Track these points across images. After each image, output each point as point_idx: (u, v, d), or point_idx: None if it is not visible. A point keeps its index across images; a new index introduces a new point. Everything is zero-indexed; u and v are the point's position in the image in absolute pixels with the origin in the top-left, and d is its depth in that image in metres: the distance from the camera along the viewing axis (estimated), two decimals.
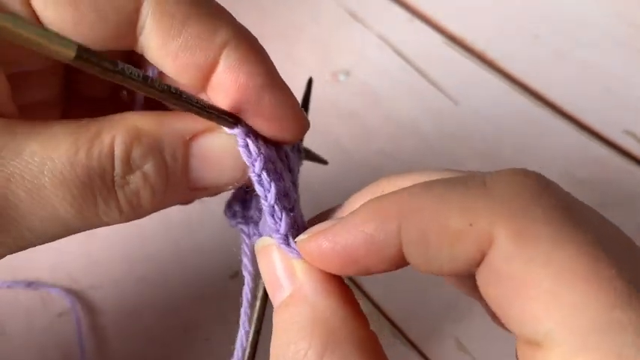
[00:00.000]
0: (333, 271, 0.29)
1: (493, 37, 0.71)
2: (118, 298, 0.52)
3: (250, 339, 0.34)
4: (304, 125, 0.33)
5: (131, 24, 0.30)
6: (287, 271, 0.30)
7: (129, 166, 0.29)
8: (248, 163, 0.31)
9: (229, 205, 0.36)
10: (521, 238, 0.24)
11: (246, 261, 0.35)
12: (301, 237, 0.30)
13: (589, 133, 0.63)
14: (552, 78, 0.68)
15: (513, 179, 0.26)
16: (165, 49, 0.30)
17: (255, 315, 0.34)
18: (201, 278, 0.53)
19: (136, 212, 0.31)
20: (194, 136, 0.31)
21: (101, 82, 0.37)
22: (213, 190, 0.33)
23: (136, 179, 0.30)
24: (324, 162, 0.45)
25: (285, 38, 0.71)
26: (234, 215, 0.35)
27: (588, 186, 0.59)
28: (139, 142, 0.30)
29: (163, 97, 0.28)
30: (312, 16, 0.74)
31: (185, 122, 0.31)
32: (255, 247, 0.33)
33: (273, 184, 0.31)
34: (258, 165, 0.31)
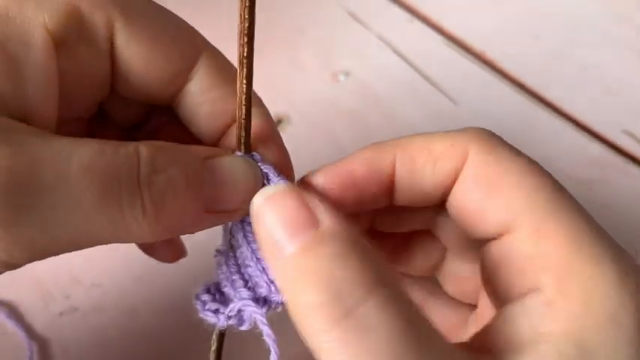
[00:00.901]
0: (334, 194, 0.32)
1: (493, 37, 0.71)
2: (119, 297, 0.52)
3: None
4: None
5: (187, 70, 0.34)
6: (308, 211, 0.28)
7: (154, 168, 0.30)
8: (270, 173, 0.33)
9: (198, 297, 0.35)
10: (492, 149, 0.31)
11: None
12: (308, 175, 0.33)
13: (588, 133, 0.64)
14: (552, 78, 0.68)
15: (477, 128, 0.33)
16: (208, 95, 0.35)
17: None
18: (201, 277, 0.53)
19: (159, 216, 0.30)
20: (208, 157, 0.33)
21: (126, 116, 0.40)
22: (224, 216, 0.33)
23: (161, 180, 0.30)
24: None
25: (285, 38, 0.71)
26: (203, 304, 0.34)
27: (587, 186, 0.60)
28: (162, 151, 0.31)
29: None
30: (312, 17, 0.74)
31: (198, 148, 0.33)
32: (255, 201, 0.31)
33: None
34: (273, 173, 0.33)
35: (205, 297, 0.34)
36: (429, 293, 0.41)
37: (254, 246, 0.33)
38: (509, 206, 0.30)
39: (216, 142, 0.36)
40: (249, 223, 0.34)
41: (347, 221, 0.28)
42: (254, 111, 0.34)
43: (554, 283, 0.28)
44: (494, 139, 0.32)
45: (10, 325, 0.50)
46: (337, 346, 0.25)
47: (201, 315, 0.34)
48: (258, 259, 0.33)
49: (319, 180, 0.33)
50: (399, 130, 0.64)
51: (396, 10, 0.74)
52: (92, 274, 0.53)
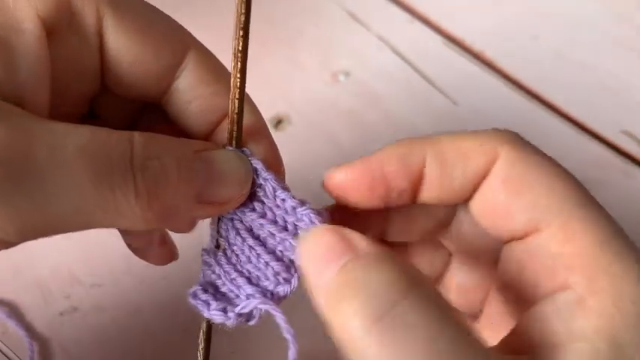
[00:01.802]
0: (362, 191, 0.33)
1: (492, 37, 0.71)
2: (119, 297, 0.52)
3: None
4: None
5: (176, 66, 0.35)
6: (345, 242, 0.28)
7: (148, 154, 0.30)
8: (259, 167, 0.34)
9: (195, 294, 0.35)
10: (522, 151, 0.31)
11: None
12: (331, 170, 0.33)
13: (587, 133, 0.64)
14: (551, 78, 0.68)
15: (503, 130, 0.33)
16: (196, 91, 0.35)
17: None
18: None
19: (151, 200, 0.31)
20: (201, 150, 0.33)
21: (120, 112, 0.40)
22: (216, 209, 0.34)
23: (154, 165, 0.31)
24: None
25: (286, 39, 0.72)
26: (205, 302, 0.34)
27: (587, 186, 0.59)
28: (156, 140, 0.31)
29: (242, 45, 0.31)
30: (312, 18, 0.74)
31: (190, 141, 0.34)
32: (300, 242, 0.30)
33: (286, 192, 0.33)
34: (270, 178, 0.34)
35: (206, 297, 0.34)
36: None
37: (250, 242, 0.34)
38: (536, 206, 0.30)
39: (205, 139, 0.36)
40: (241, 221, 0.34)
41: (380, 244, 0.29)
42: (244, 107, 0.34)
43: (584, 280, 0.28)
44: (522, 141, 0.32)
45: (11, 325, 0.51)
46: (374, 349, 0.25)
47: (206, 315, 0.34)
48: (258, 254, 0.34)
49: (348, 174, 0.33)
50: (398, 129, 0.64)
51: (395, 10, 0.74)
52: (92, 274, 0.53)
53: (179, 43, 0.35)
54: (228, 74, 0.33)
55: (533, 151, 0.32)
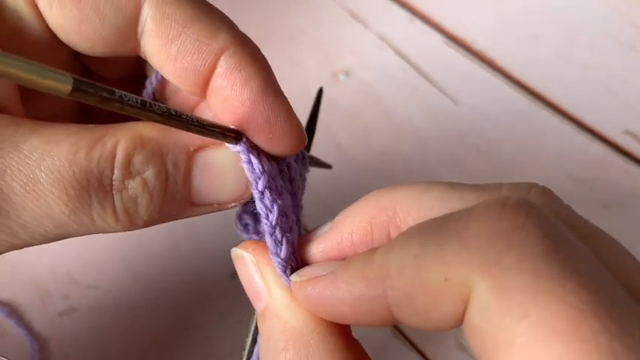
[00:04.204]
0: (324, 317, 0.29)
1: (493, 36, 0.71)
2: (117, 298, 0.52)
3: (247, 347, 0.34)
4: (298, 138, 0.32)
5: (132, 26, 0.30)
6: (263, 283, 0.31)
7: (129, 172, 0.29)
8: (251, 180, 0.31)
9: (240, 218, 0.35)
10: (497, 290, 0.22)
11: None
12: (294, 278, 0.30)
13: (589, 133, 0.63)
14: (552, 78, 0.68)
15: (486, 223, 0.23)
16: (164, 51, 0.30)
17: (253, 325, 0.34)
18: (200, 278, 0.53)
19: (133, 220, 0.30)
20: (199, 148, 0.31)
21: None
22: (214, 208, 0.33)
23: (135, 185, 0.30)
24: (328, 167, 0.44)
25: (286, 38, 0.71)
26: (245, 227, 0.34)
27: (588, 186, 0.59)
28: (142, 149, 0.30)
29: (163, 120, 0.28)
30: (313, 17, 0.74)
31: (188, 138, 0.31)
32: (232, 254, 0.32)
33: (275, 206, 0.31)
34: (261, 183, 0.31)
35: (246, 221, 0.34)
36: None
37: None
38: None
39: (201, 95, 0.32)
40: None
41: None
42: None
43: None
44: (499, 270, 0.22)
45: (10, 325, 0.50)
46: None
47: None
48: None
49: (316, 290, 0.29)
50: (398, 129, 0.64)
51: (396, 9, 0.74)
52: (91, 275, 0.53)
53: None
54: (196, 21, 0.29)
55: (512, 285, 0.21)
